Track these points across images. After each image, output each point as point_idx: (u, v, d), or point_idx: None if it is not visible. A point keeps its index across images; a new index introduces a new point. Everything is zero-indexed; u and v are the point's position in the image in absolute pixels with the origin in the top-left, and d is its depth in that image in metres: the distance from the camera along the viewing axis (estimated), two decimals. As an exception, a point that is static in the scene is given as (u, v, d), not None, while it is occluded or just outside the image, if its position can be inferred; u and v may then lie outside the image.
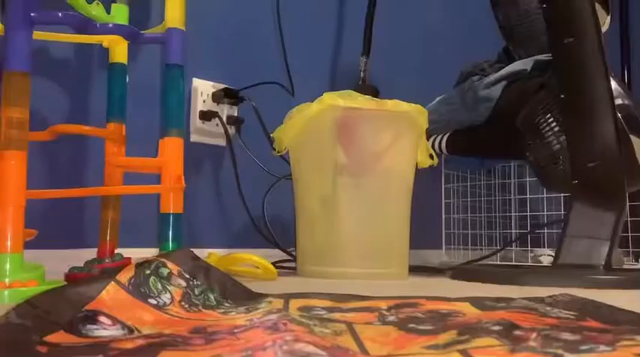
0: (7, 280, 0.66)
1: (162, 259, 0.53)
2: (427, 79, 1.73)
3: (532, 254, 1.57)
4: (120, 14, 0.92)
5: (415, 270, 1.18)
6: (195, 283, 0.54)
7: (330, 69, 1.56)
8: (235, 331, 0.37)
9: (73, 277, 0.87)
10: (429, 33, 1.84)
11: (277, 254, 1.24)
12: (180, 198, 0.84)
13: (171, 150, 0.84)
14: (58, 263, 0.89)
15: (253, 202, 1.28)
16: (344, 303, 0.54)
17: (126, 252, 0.94)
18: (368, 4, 1.44)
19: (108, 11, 0.91)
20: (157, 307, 0.47)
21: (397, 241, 1.10)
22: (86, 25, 0.80)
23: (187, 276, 0.54)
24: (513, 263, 1.47)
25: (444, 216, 1.66)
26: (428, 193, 1.61)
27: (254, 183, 1.28)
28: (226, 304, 0.53)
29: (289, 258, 1.24)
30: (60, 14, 0.77)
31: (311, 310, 0.51)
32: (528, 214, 1.59)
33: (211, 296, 0.53)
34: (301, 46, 1.45)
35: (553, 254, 1.08)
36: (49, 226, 0.94)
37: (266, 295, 0.60)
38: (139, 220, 1.06)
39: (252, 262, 0.95)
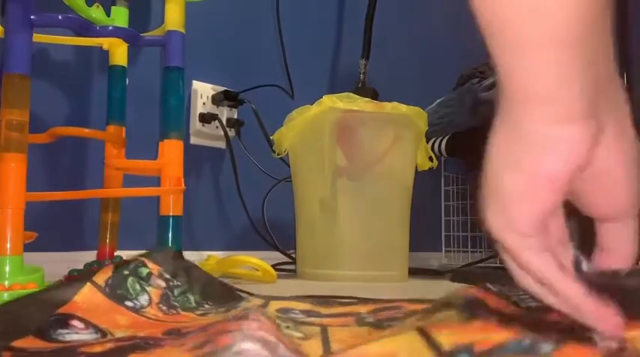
0: (6, 282, 0.66)
1: (143, 259, 0.52)
2: (427, 82, 1.73)
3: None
4: (119, 17, 0.92)
5: (415, 272, 1.18)
6: (175, 283, 0.53)
7: (330, 71, 1.56)
8: (208, 328, 0.36)
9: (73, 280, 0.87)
10: (428, 36, 1.84)
11: (277, 257, 1.24)
12: (179, 200, 0.84)
13: (171, 152, 0.84)
14: (58, 266, 0.89)
15: (253, 205, 1.28)
16: (323, 307, 0.54)
17: (125, 254, 0.94)
18: (367, 7, 1.45)
19: (108, 14, 0.91)
20: (134, 309, 0.46)
21: (397, 243, 1.10)
22: (86, 28, 0.80)
23: (167, 276, 0.53)
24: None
25: (443, 218, 1.66)
26: (427, 196, 1.61)
27: (254, 185, 1.28)
28: (206, 306, 0.52)
29: (289, 260, 1.24)
30: (60, 17, 0.77)
31: (288, 312, 0.51)
32: (528, 216, 1.59)
33: (191, 298, 0.52)
34: (301, 48, 1.46)
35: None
36: (49, 229, 0.94)
37: (247, 295, 0.59)
38: (139, 222, 1.06)
39: (251, 265, 0.95)
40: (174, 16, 0.86)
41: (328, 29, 1.57)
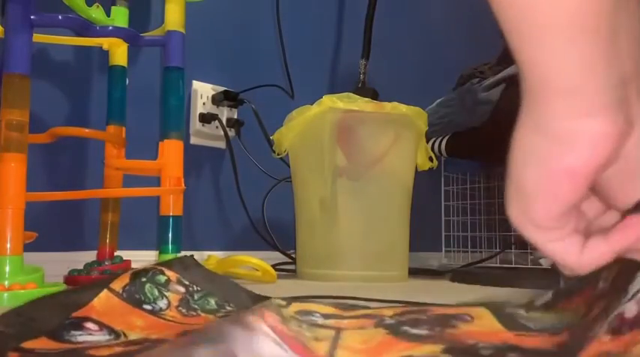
0: (6, 282, 0.66)
1: (159, 267, 0.52)
2: (426, 82, 1.73)
3: (532, 257, 1.57)
4: (120, 17, 0.92)
5: (415, 272, 1.18)
6: (195, 288, 0.52)
7: (330, 71, 1.56)
8: None
9: (73, 280, 0.87)
10: (428, 36, 1.84)
11: (277, 257, 1.24)
12: (179, 200, 0.84)
13: (171, 152, 0.84)
14: (58, 266, 0.90)
15: (253, 205, 1.28)
16: (346, 311, 0.52)
17: (125, 254, 0.94)
18: (367, 7, 1.45)
19: (108, 14, 0.91)
20: (152, 312, 0.46)
21: (397, 243, 1.10)
22: (86, 28, 0.80)
23: (186, 282, 0.52)
24: (513, 266, 1.47)
25: (443, 218, 1.66)
26: (427, 196, 1.61)
27: (254, 185, 1.28)
28: (228, 308, 0.51)
29: (289, 260, 1.24)
30: (60, 17, 0.77)
31: (308, 315, 0.50)
32: (528, 216, 1.59)
33: (212, 300, 0.52)
34: (301, 48, 1.46)
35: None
36: (49, 229, 0.94)
37: (270, 298, 0.58)
38: (139, 222, 1.06)
39: (251, 265, 0.95)
40: (174, 16, 0.86)
41: (328, 29, 1.57)
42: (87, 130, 1.02)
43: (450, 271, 1.23)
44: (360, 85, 1.41)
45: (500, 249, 1.60)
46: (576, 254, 0.30)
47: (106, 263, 0.90)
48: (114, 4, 0.93)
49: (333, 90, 1.29)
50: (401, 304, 0.54)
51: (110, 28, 0.86)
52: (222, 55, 1.31)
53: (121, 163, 0.91)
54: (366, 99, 1.06)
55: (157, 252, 0.86)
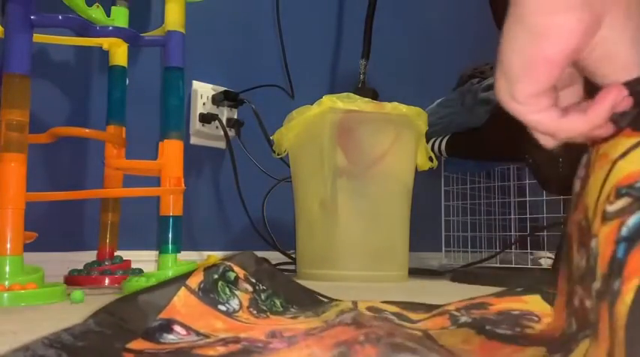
0: (6, 282, 0.66)
1: (228, 263, 0.54)
2: (427, 82, 1.73)
3: (532, 257, 1.57)
4: (120, 17, 0.92)
5: (415, 272, 1.18)
6: (260, 287, 0.54)
7: (330, 72, 1.56)
8: (313, 332, 0.37)
9: (73, 280, 0.87)
10: (428, 36, 1.84)
11: (277, 257, 1.24)
12: (179, 200, 0.84)
13: (171, 152, 0.84)
14: (58, 266, 0.90)
15: (253, 205, 1.28)
16: (412, 312, 0.53)
17: (125, 254, 0.95)
18: (367, 8, 1.45)
19: (108, 14, 0.91)
20: (227, 313, 0.48)
21: (397, 243, 1.10)
22: (86, 28, 0.80)
23: (253, 280, 0.54)
24: (513, 266, 1.47)
25: (443, 218, 1.66)
26: (427, 196, 1.61)
27: (254, 185, 1.28)
28: (292, 310, 0.53)
29: (289, 260, 1.24)
30: (60, 17, 0.77)
31: (380, 312, 0.51)
32: (528, 216, 1.59)
33: (277, 302, 0.54)
34: (301, 48, 1.46)
35: (553, 257, 1.08)
36: (49, 229, 0.94)
37: (331, 300, 0.59)
38: (139, 222, 1.06)
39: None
40: (174, 16, 0.86)
41: (328, 29, 1.57)
42: (87, 130, 1.02)
43: (450, 271, 1.23)
44: (360, 85, 1.41)
45: (500, 249, 1.60)
46: (555, 120, 0.35)
47: (106, 263, 0.91)
48: (114, 4, 0.93)
49: (333, 90, 1.29)
50: (457, 302, 0.55)
51: (110, 28, 0.86)
52: (222, 55, 1.31)
53: (121, 163, 0.91)
54: (366, 99, 1.06)
55: (157, 252, 0.86)
